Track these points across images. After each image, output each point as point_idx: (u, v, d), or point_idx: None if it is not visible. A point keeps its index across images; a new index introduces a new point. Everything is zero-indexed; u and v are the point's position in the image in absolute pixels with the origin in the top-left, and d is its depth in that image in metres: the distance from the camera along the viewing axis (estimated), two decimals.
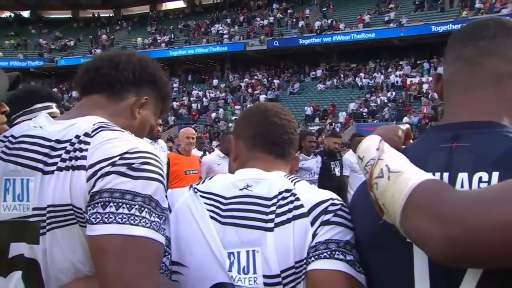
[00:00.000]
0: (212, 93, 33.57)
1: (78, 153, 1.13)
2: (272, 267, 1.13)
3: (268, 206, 1.19)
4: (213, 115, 30.61)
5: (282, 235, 1.14)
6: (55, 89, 31.07)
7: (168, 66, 37.30)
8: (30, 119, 1.35)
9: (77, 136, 1.16)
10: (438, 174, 0.99)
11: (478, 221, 0.80)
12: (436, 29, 28.84)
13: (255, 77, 33.92)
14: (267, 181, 1.24)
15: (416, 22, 30.33)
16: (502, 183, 0.86)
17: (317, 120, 27.59)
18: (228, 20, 38.55)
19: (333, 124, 25.55)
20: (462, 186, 0.94)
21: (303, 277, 1.13)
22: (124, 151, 1.11)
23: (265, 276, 1.13)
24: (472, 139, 1.00)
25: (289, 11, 37.19)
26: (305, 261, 1.13)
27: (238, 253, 1.17)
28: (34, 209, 1.13)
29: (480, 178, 0.92)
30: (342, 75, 32.05)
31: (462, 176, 0.95)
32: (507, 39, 1.05)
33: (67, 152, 1.14)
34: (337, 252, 1.11)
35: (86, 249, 1.11)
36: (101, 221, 1.04)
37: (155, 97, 1.41)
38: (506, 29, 1.07)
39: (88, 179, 1.08)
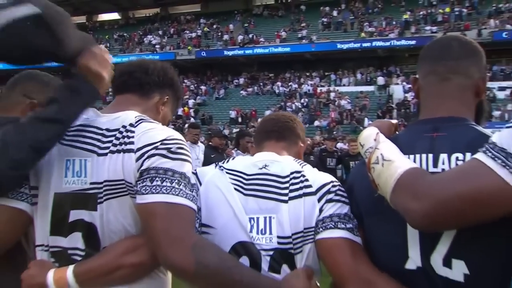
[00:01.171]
0: None
1: (126, 139, 1.39)
2: (285, 230, 1.41)
3: (283, 183, 1.47)
4: None
5: (295, 207, 1.43)
6: None
7: None
8: None
9: (124, 126, 1.42)
10: (424, 155, 1.28)
11: (445, 196, 1.09)
12: (341, 46, 33.63)
13: (184, 84, 36.74)
14: (281, 162, 1.53)
15: (324, 40, 34.59)
16: (461, 164, 1.18)
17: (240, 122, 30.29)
18: (160, 32, 41.41)
19: (255, 127, 28.73)
20: (443, 164, 1.25)
21: (310, 240, 1.41)
22: (164, 138, 1.40)
23: (278, 237, 1.41)
24: (448, 130, 1.31)
25: (214, 26, 40.52)
26: (312, 229, 1.41)
27: (257, 218, 1.44)
28: (91, 183, 1.40)
29: (457, 157, 1.23)
30: (261, 83, 35.37)
31: (443, 156, 1.26)
32: (468, 60, 1.39)
33: (117, 138, 1.40)
34: (339, 223, 1.39)
35: (135, 215, 1.39)
36: (150, 192, 1.33)
37: (173, 96, 1.67)
38: (467, 51, 1.40)
39: (137, 159, 1.37)
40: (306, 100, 31.62)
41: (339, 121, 28.07)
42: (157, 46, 39.18)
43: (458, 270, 1.22)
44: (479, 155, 1.12)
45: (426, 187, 1.14)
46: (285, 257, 1.43)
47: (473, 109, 1.42)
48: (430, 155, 1.30)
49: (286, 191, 1.46)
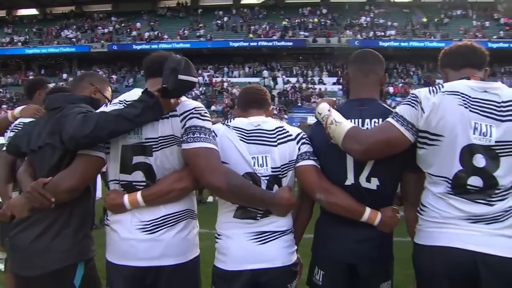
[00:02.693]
0: (63, 84, 40.17)
1: (176, 108, 2.20)
2: (276, 163, 2.31)
3: (272, 134, 2.36)
4: None
5: (283, 148, 2.34)
6: None
7: (24, 62, 43.78)
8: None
9: None
10: (356, 120, 2.26)
11: (373, 141, 2.08)
12: (232, 44, 41.06)
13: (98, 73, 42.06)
14: (268, 122, 2.42)
15: (218, 38, 41.63)
16: (380, 124, 2.17)
17: None
18: (75, 27, 46.02)
19: None
20: (368, 124, 2.24)
21: (291, 168, 2.35)
22: (194, 106, 2.25)
23: (272, 168, 2.31)
24: (368, 105, 2.32)
25: (122, 24, 45.64)
26: (294, 161, 2.35)
27: (257, 157, 2.32)
28: (146, 138, 2.20)
29: (375, 121, 2.22)
30: None
31: (367, 120, 2.24)
32: (377, 65, 2.47)
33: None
34: (310, 156, 2.37)
35: (179, 157, 2.23)
36: (193, 141, 2.15)
37: None
38: (376, 59, 2.48)
39: (181, 121, 2.20)
40: (204, 88, 37.77)
41: (231, 106, 33.16)
42: (73, 39, 43.86)
43: (374, 183, 2.31)
44: (389, 119, 2.19)
45: (362, 137, 2.16)
46: (276, 180, 2.37)
47: (379, 93, 2.55)
48: (360, 120, 2.34)
49: (275, 139, 2.38)
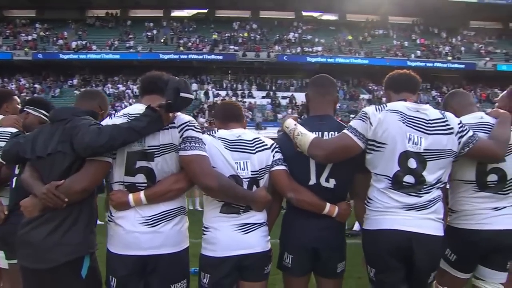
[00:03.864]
0: None
1: (174, 120, 2.68)
2: (256, 167, 2.89)
3: (251, 144, 2.93)
4: None
5: (260, 155, 2.93)
6: None
7: None
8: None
9: None
10: (318, 132, 2.96)
11: (332, 148, 2.85)
12: (162, 56, 41.23)
13: (20, 82, 40.10)
14: (246, 133, 2.99)
15: (148, 50, 41.95)
16: (337, 134, 2.94)
17: None
18: None
19: None
20: (326, 136, 2.98)
21: (267, 172, 2.97)
22: (188, 120, 2.77)
23: (251, 171, 2.88)
24: (326, 120, 3.07)
25: (48, 32, 44.38)
26: (269, 166, 2.96)
27: (239, 162, 2.88)
28: (149, 146, 2.68)
29: (332, 133, 2.98)
30: (94, 85, 39.25)
31: (326, 133, 2.99)
32: (331, 87, 3.24)
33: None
34: (281, 162, 2.99)
35: (176, 162, 2.72)
36: (189, 149, 2.66)
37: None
38: (331, 83, 3.26)
39: (179, 132, 2.72)
40: (134, 101, 35.57)
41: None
42: None
43: (331, 183, 2.93)
44: (345, 131, 2.81)
45: (324, 145, 2.79)
46: (255, 182, 2.96)
47: (333, 111, 3.21)
48: (320, 132, 2.98)
49: (254, 148, 2.99)
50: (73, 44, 42.42)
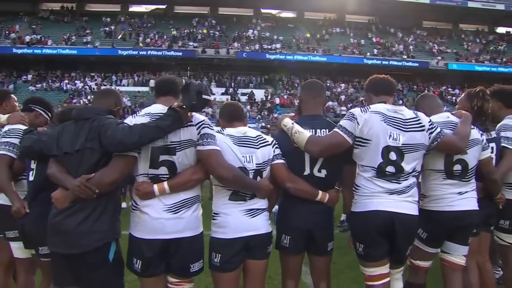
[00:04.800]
0: None
1: (191, 118, 3.11)
2: (260, 160, 3.36)
3: (255, 140, 3.40)
4: None
5: (263, 150, 3.39)
6: None
7: None
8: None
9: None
10: (311, 130, 3.45)
11: (324, 144, 3.38)
12: (121, 52, 41.15)
13: None
14: (251, 131, 3.46)
15: (107, 45, 41.57)
16: (329, 132, 3.47)
17: None
18: None
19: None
20: (318, 134, 3.50)
21: (269, 165, 3.43)
22: (204, 119, 3.21)
23: (256, 164, 3.35)
24: (318, 120, 3.63)
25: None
26: (271, 159, 3.43)
27: (245, 156, 3.32)
28: (171, 142, 3.06)
29: (323, 131, 3.53)
30: (50, 81, 39.67)
31: (318, 130, 3.51)
32: (321, 91, 3.82)
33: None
34: (280, 157, 3.48)
35: (195, 157, 3.16)
36: (206, 144, 3.11)
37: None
38: (322, 87, 3.84)
39: (197, 129, 3.14)
40: (92, 96, 36.36)
41: (121, 115, 35.34)
42: None
43: (323, 173, 3.47)
44: (336, 129, 3.34)
45: (319, 141, 3.36)
46: (259, 173, 3.37)
47: (323, 111, 3.68)
48: (313, 130, 3.44)
49: (258, 144, 3.42)
50: (27, 38, 41.41)
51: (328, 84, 43.72)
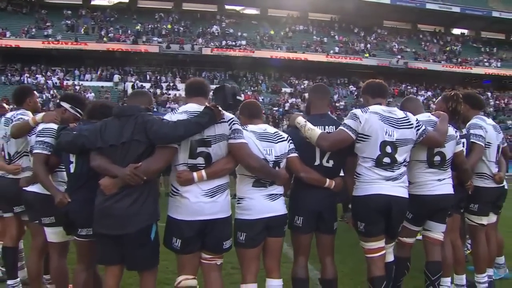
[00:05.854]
0: None
1: (223, 116, 3.62)
2: (278, 153, 3.96)
3: (273, 136, 4.00)
4: None
5: (280, 145, 3.99)
6: None
7: None
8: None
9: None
10: (320, 126, 4.09)
11: (333, 140, 4.02)
12: (80, 45, 40.68)
13: None
14: (269, 128, 4.10)
15: (69, 39, 40.92)
16: (336, 130, 4.11)
17: None
18: None
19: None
20: (327, 130, 4.11)
21: (285, 157, 4.02)
22: (233, 117, 3.69)
23: (275, 156, 3.95)
24: (325, 118, 4.21)
25: None
26: (287, 153, 4.02)
27: (266, 149, 3.92)
28: (207, 136, 3.55)
29: (331, 127, 4.15)
30: (9, 74, 38.59)
31: (326, 127, 4.14)
32: (327, 93, 4.55)
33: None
34: (294, 151, 4.07)
35: (226, 149, 3.66)
36: (238, 138, 3.66)
37: None
38: (328, 89, 4.61)
39: (228, 125, 3.63)
40: (55, 91, 36.50)
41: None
42: None
43: (330, 163, 4.14)
44: (342, 127, 4.03)
45: (328, 137, 4.01)
46: (277, 164, 3.94)
47: (328, 110, 4.50)
48: (322, 126, 4.10)
49: (276, 139, 3.96)
50: None
51: (291, 81, 44.83)
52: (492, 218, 5.37)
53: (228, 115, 3.71)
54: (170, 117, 3.66)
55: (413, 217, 4.41)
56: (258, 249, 3.98)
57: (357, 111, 4.08)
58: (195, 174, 3.57)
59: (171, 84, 41.80)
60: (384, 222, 4.05)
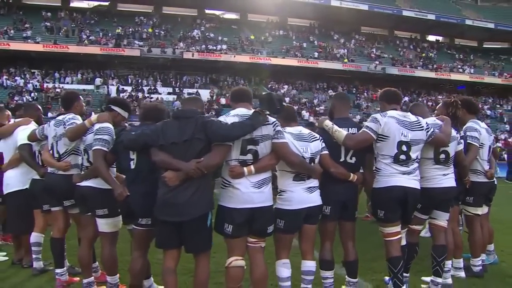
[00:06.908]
0: None
1: (268, 119, 4.15)
2: (312, 151, 4.55)
3: (308, 137, 4.61)
4: None
5: (314, 144, 4.59)
6: None
7: None
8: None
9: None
10: (345, 128, 4.74)
11: (357, 140, 4.68)
12: (62, 48, 40.56)
13: None
14: (304, 129, 4.74)
15: (48, 41, 40.68)
16: (359, 131, 4.79)
17: None
18: None
19: None
20: (350, 131, 4.76)
21: (318, 155, 4.60)
22: (275, 120, 4.28)
23: (310, 153, 4.54)
24: (348, 121, 5.00)
25: None
26: (320, 150, 4.60)
27: (303, 147, 4.51)
28: (255, 135, 4.07)
29: (353, 129, 4.82)
30: None
31: (349, 129, 4.79)
32: (348, 100, 5.51)
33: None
34: (325, 149, 4.66)
35: (270, 147, 4.20)
36: (281, 138, 4.23)
37: None
38: (348, 96, 5.90)
39: (272, 127, 4.18)
40: (36, 94, 36.65)
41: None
42: None
43: (353, 160, 4.80)
44: (364, 129, 4.70)
45: (353, 138, 4.69)
46: (312, 160, 4.55)
47: (348, 114, 5.30)
48: (346, 128, 4.76)
49: (310, 139, 4.60)
50: None
51: (271, 86, 45.51)
52: (485, 209, 6.19)
53: (271, 119, 4.21)
54: (224, 119, 4.17)
55: (422, 207, 5.03)
56: (292, 236, 4.57)
57: (377, 115, 4.69)
58: (245, 168, 4.06)
59: (152, 88, 41.98)
60: (400, 210, 4.66)
